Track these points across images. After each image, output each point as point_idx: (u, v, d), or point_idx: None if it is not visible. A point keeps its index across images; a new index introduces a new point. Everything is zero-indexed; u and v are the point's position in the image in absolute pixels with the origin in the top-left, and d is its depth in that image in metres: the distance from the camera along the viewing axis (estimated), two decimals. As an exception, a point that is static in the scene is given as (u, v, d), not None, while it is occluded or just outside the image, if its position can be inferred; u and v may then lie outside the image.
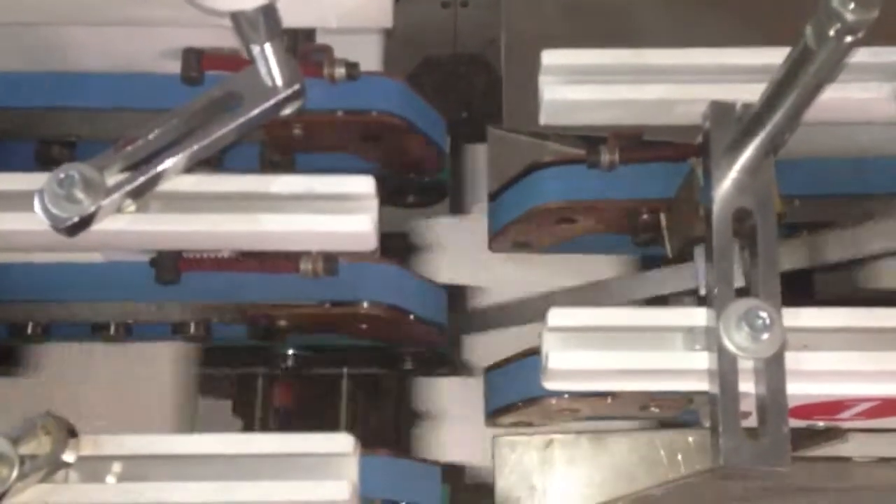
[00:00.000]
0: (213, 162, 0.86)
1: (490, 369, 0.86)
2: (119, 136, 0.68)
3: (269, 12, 0.57)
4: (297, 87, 0.66)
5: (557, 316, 0.65)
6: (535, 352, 0.71)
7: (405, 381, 1.04)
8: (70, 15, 0.72)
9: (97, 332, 0.84)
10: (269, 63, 0.63)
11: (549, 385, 0.67)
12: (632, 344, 0.64)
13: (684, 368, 0.63)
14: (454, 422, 0.98)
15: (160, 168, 0.65)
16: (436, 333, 0.90)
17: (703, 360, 0.62)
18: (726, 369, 0.60)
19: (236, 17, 0.57)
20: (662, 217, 0.79)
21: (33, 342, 0.85)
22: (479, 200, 1.00)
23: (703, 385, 0.63)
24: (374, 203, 0.70)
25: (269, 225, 0.68)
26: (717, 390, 0.60)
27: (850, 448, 0.84)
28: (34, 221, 0.65)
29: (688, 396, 0.68)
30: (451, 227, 1.00)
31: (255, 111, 0.66)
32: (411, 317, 0.86)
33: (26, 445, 0.63)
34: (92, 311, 0.81)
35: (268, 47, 0.62)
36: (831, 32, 0.48)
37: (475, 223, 0.96)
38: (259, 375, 1.10)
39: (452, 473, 0.96)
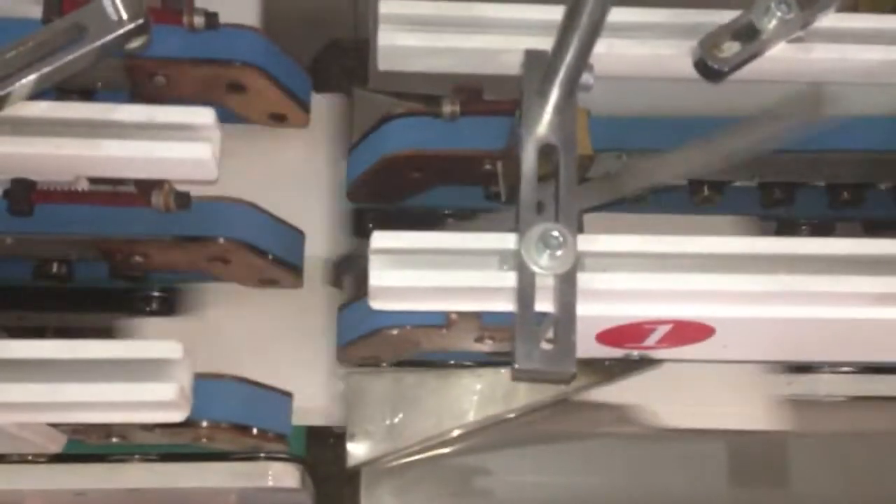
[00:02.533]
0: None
1: (341, 308, 0.91)
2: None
3: (106, -59, 0.61)
4: (140, 21, 0.70)
5: (381, 239, 0.70)
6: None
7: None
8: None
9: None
10: (112, -5, 0.67)
11: (374, 304, 0.72)
12: (449, 265, 0.70)
13: (495, 286, 0.69)
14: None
15: (2, 93, 0.68)
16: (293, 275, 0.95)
17: (511, 279, 0.68)
18: (525, 284, 0.66)
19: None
20: (499, 165, 0.86)
21: None
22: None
23: (511, 305, 0.69)
24: (215, 133, 0.74)
25: (110, 150, 0.71)
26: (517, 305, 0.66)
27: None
28: None
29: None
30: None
31: (99, 42, 0.69)
32: (269, 257, 0.90)
33: None
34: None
35: (109, -22, 0.66)
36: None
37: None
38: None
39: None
